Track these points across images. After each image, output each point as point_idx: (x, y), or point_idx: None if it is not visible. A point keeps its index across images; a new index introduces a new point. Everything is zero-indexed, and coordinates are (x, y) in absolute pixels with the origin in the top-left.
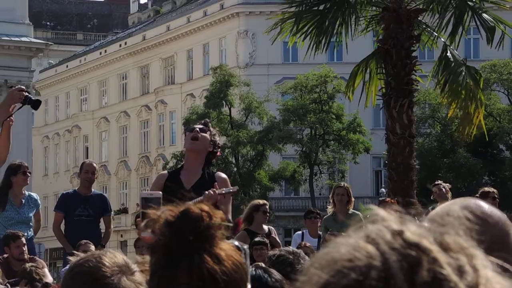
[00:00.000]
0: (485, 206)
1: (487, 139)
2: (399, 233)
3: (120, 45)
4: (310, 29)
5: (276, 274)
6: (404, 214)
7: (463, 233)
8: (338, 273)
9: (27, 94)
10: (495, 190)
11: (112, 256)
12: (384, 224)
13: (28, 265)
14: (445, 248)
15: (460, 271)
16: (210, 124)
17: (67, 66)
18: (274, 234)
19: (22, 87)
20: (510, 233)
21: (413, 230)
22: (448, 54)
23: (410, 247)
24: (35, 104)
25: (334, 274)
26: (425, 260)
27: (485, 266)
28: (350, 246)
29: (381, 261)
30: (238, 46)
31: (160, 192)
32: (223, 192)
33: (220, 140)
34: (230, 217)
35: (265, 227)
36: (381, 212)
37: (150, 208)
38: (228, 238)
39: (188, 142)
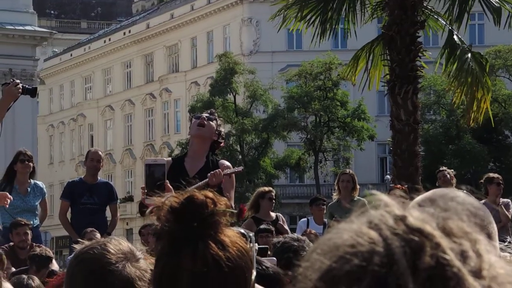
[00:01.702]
0: (461, 195)
1: (493, 125)
2: (401, 219)
3: (124, 33)
4: (314, 16)
5: (266, 262)
6: (409, 200)
7: (466, 219)
8: (341, 259)
9: (22, 85)
10: (499, 176)
11: (117, 243)
12: (387, 210)
13: (37, 249)
14: (448, 233)
15: (463, 256)
16: (216, 115)
17: (71, 55)
18: (282, 221)
19: (17, 81)
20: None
21: (416, 216)
22: (455, 37)
23: (413, 232)
24: (33, 92)
25: (337, 260)
26: (428, 245)
27: (488, 251)
28: (352, 232)
29: (383, 246)
30: (242, 33)
31: (165, 159)
32: (228, 172)
33: (225, 128)
34: (233, 204)
35: (273, 214)
36: (383, 197)
37: (154, 175)
38: (232, 224)
39: (195, 128)
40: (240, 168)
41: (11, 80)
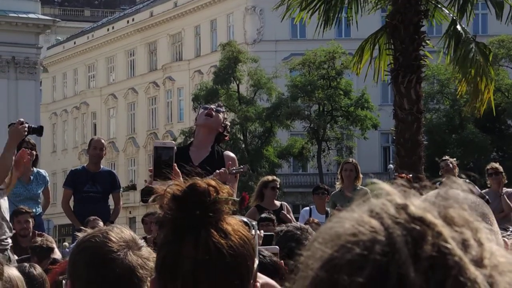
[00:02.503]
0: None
1: (494, 114)
2: (403, 207)
3: (128, 22)
4: (318, 4)
5: (264, 251)
6: (412, 189)
7: (467, 207)
8: (342, 248)
9: (28, 124)
10: (498, 167)
11: (119, 232)
12: (388, 198)
13: (38, 239)
14: (449, 222)
15: (465, 245)
16: (223, 108)
17: (74, 43)
18: (287, 210)
19: (21, 119)
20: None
21: (417, 204)
22: (458, 27)
23: (414, 221)
24: (39, 131)
25: (338, 248)
26: (430, 234)
27: (489, 239)
28: (354, 221)
29: (385, 235)
30: (245, 22)
31: (174, 142)
32: (233, 171)
33: (228, 116)
34: (235, 195)
35: (278, 203)
36: (385, 186)
37: (162, 157)
38: (234, 212)
39: (202, 118)
40: (245, 167)
41: (17, 120)
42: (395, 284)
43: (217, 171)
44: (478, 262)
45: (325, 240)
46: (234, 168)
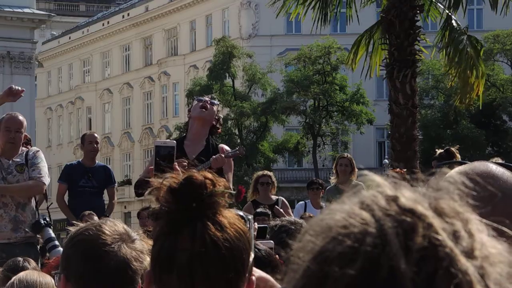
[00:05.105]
0: (487, 166)
1: (480, 108)
2: (393, 199)
3: (123, 16)
4: (315, 0)
5: (259, 245)
6: (404, 182)
7: (458, 198)
8: (333, 240)
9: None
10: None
11: (112, 225)
12: (379, 190)
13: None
14: (440, 213)
15: (456, 236)
16: (217, 100)
17: (69, 38)
18: (283, 204)
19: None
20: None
21: (408, 196)
22: (453, 22)
23: (405, 213)
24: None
25: (329, 241)
26: (420, 226)
27: (480, 230)
28: (345, 213)
29: (376, 227)
30: (241, 17)
31: (174, 142)
32: (230, 154)
33: (223, 112)
34: (231, 186)
35: (274, 197)
36: (376, 178)
37: (163, 156)
38: (231, 206)
39: (197, 110)
40: (241, 149)
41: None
42: (386, 276)
43: (213, 156)
44: (469, 253)
45: (316, 232)
46: (230, 151)
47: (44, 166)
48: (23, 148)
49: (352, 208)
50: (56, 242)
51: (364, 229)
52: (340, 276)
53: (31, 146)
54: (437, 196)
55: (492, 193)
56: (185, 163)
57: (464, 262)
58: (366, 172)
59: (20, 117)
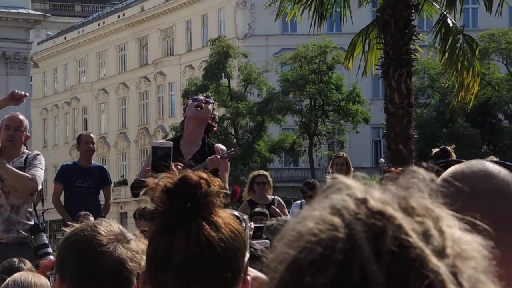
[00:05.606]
0: (483, 165)
1: (471, 106)
2: (363, 202)
3: (119, 16)
4: (310, 0)
5: (255, 245)
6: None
7: (429, 194)
8: (305, 249)
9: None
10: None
11: (108, 225)
12: (348, 193)
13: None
14: (409, 213)
15: (426, 236)
16: (212, 98)
17: (65, 38)
18: (279, 204)
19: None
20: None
21: (377, 197)
22: (448, 21)
23: (374, 215)
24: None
25: (301, 250)
26: (390, 228)
27: (451, 226)
28: (315, 219)
29: (346, 232)
30: (236, 17)
31: (171, 142)
32: (225, 155)
33: (219, 111)
34: (227, 186)
35: (270, 197)
36: (344, 179)
37: (159, 157)
38: (226, 205)
39: (192, 109)
40: (237, 150)
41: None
42: (359, 282)
43: (209, 157)
44: (440, 252)
45: (289, 241)
46: (226, 152)
47: (41, 169)
48: (25, 150)
49: (322, 214)
50: (49, 249)
51: (334, 236)
52: (313, 285)
53: (27, 147)
54: (406, 195)
55: (460, 189)
56: (180, 166)
57: (435, 262)
58: (336, 175)
59: (20, 116)
